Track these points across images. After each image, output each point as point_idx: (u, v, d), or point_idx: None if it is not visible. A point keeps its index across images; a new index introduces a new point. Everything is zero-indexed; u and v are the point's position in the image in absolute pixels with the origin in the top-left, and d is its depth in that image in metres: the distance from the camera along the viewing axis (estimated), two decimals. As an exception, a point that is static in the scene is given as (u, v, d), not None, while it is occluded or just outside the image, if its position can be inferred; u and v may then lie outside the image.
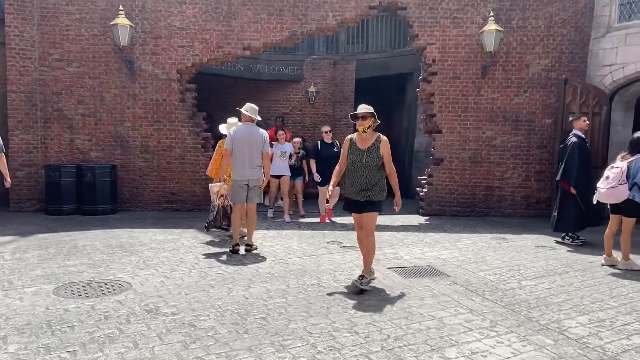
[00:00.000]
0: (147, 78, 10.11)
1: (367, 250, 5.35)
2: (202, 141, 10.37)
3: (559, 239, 7.91)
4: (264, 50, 10.60)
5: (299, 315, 4.39)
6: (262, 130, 6.93)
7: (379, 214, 5.44)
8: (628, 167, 6.01)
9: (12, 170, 8.86)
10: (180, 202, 10.34)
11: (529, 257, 6.83)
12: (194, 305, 4.60)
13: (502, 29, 9.79)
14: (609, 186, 6.03)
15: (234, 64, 13.00)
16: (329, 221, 9.41)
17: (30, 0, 9.78)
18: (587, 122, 8.12)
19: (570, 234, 7.82)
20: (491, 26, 9.71)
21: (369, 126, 5.28)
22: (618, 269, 6.25)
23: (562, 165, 7.79)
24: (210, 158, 8.62)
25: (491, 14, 9.77)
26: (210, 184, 7.61)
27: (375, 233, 8.03)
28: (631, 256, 6.30)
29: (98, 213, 9.58)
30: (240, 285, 5.24)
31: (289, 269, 5.97)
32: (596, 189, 6.31)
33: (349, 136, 5.49)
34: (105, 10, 9.90)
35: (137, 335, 3.89)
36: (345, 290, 5.15)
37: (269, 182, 8.29)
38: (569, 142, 7.84)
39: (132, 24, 9.69)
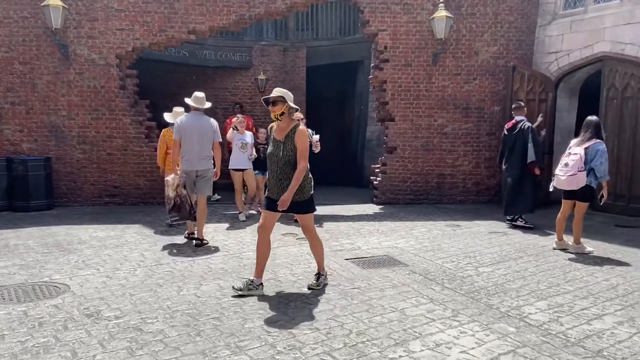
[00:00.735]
0: (83, 63, 9.43)
1: (315, 250, 4.96)
2: (146, 131, 9.81)
3: (515, 223, 8.02)
4: (211, 34, 10.12)
5: (255, 313, 4.13)
6: (212, 120, 6.72)
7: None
8: (585, 153, 6.06)
9: None
10: (124, 196, 9.78)
11: (484, 243, 6.84)
12: (140, 307, 4.24)
13: (452, 16, 9.77)
14: (569, 174, 6.05)
15: (178, 50, 12.44)
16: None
17: (-50, -22, 8.91)
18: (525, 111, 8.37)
19: (523, 216, 8.01)
20: (441, 13, 9.67)
21: (282, 113, 4.54)
22: (569, 252, 6.34)
23: (530, 149, 7.86)
24: (155, 149, 8.32)
25: (441, 0, 9.72)
26: (165, 178, 7.01)
27: (332, 223, 8.00)
28: (581, 240, 6.40)
29: (31, 209, 8.90)
30: (191, 284, 4.91)
31: (243, 263, 5.68)
32: (554, 176, 6.34)
33: (272, 124, 4.83)
34: (36, -10, 9.15)
35: (76, 343, 3.52)
36: (304, 285, 4.92)
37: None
38: (525, 127, 7.94)
39: (65, 5, 8.98)
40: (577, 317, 4.13)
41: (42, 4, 8.89)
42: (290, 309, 4.25)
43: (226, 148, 9.23)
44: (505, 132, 8.33)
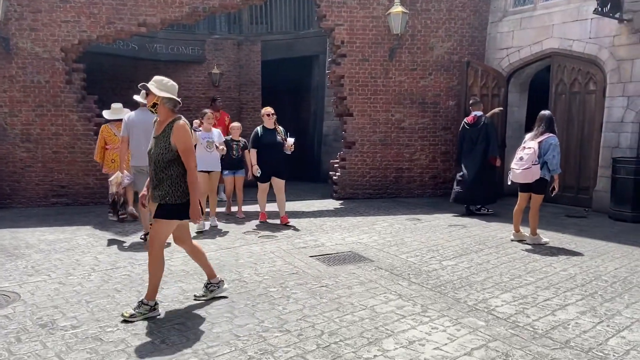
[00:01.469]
0: (25, 57, 8.90)
1: (149, 269, 4.06)
2: (95, 127, 9.33)
3: (479, 212, 8.57)
4: (162, 27, 9.76)
5: (222, 317, 3.98)
6: None
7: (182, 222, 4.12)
8: (539, 147, 6.22)
9: None
10: (72, 196, 9.31)
11: (444, 237, 6.92)
12: (98, 315, 4.00)
13: (408, 12, 9.83)
14: (524, 167, 6.20)
15: (127, 43, 11.97)
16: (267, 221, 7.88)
17: None
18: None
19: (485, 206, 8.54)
20: (397, 8, 9.71)
21: (155, 104, 3.98)
22: (527, 243, 6.50)
23: (492, 143, 8.42)
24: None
25: (397, -5, 9.77)
26: (109, 179, 7.13)
27: (293, 220, 7.87)
28: (538, 231, 6.58)
29: (-28, 212, 8.36)
30: (152, 287, 4.69)
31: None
32: (510, 170, 6.48)
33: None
34: (-29, -22, 8.53)
35: (31, 357, 3.27)
36: (270, 285, 4.80)
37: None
38: (487, 121, 8.45)
39: (5, -5, 8.45)
40: (542, 309, 4.22)
41: (-21, -6, 8.32)
42: (258, 311, 4.13)
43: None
44: (466, 127, 8.63)
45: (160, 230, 4.00)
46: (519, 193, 6.66)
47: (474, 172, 8.44)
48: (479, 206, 8.64)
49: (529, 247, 6.36)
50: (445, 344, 3.52)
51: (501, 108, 9.35)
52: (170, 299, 4.39)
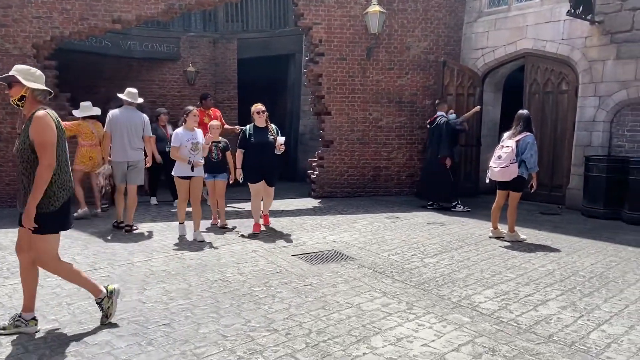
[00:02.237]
0: (-5, 53, 8.63)
1: (26, 285, 3.64)
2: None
3: (455, 210, 8.78)
4: (137, 24, 9.58)
5: (208, 317, 3.93)
6: (143, 115, 7.24)
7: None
8: (517, 145, 6.34)
9: None
10: (45, 196, 9.05)
11: (424, 234, 7.00)
12: (80, 317, 3.91)
13: (385, 11, 9.89)
14: (502, 165, 6.31)
15: (100, 40, 11.72)
16: (264, 229, 7.24)
17: None
18: (449, 106, 9.38)
19: (460, 202, 8.81)
20: (375, 7, 9.76)
21: (22, 97, 3.49)
22: (505, 240, 6.63)
23: (443, 142, 8.72)
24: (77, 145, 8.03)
25: (374, -6, 9.82)
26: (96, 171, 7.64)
27: (273, 219, 7.80)
28: (515, 228, 6.71)
29: (-61, 213, 8.07)
30: (134, 288, 4.60)
31: (187, 264, 5.42)
32: (489, 168, 6.59)
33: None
34: (-64, -30, 8.23)
35: (11, 363, 3.18)
36: (254, 284, 4.77)
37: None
38: (442, 122, 8.74)
39: (-28, -11, 8.17)
40: (524, 304, 4.30)
41: (-56, -13, 8.02)
42: (244, 310, 4.09)
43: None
44: (428, 127, 9.19)
45: (44, 246, 3.52)
46: (497, 191, 6.78)
47: (425, 171, 9.32)
48: (454, 203, 8.85)
49: (507, 244, 6.49)
50: (433, 341, 3.56)
51: (479, 107, 9.51)
52: (154, 299, 4.32)
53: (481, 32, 10.49)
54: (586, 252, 6.07)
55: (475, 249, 6.20)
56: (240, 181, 6.96)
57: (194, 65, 13.19)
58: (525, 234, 6.85)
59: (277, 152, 6.75)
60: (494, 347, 3.44)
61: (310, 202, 9.75)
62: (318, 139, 10.78)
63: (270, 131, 6.85)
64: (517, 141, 6.38)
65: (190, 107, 6.73)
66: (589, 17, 8.42)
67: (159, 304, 4.22)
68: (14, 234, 6.69)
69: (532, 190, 6.65)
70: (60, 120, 3.65)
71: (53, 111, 3.61)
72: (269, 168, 6.86)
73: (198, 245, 6.26)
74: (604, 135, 8.64)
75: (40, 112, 3.43)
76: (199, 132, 6.60)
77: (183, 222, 6.71)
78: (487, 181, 6.74)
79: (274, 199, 7.59)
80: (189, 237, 6.61)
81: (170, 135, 7.09)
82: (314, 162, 10.53)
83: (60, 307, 4.13)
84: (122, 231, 6.98)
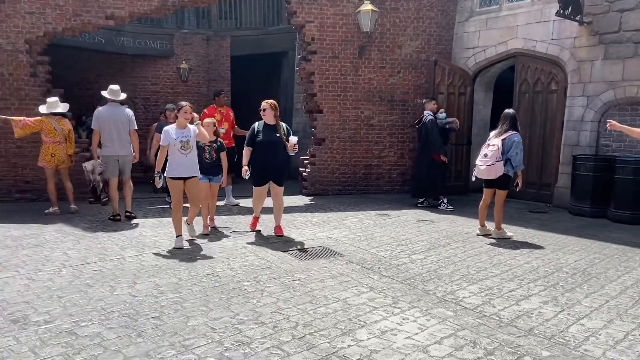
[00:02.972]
0: (-13, 49, 8.65)
1: None
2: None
3: (440, 207, 8.86)
4: (131, 20, 9.65)
5: (197, 310, 4.01)
6: (127, 109, 7.71)
7: None
8: (502, 144, 6.44)
9: None
10: (37, 192, 9.09)
11: (413, 232, 7.09)
12: (72, 310, 3.97)
13: (377, 10, 9.97)
14: (488, 164, 6.41)
15: (93, 36, 11.74)
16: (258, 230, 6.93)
17: None
18: (436, 104, 9.32)
19: (445, 200, 8.91)
20: (367, 6, 9.84)
21: None
22: (492, 238, 6.73)
23: (431, 140, 8.84)
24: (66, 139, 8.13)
25: (366, -7, 9.89)
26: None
27: (264, 215, 7.73)
28: (502, 225, 6.82)
29: None
30: (124, 282, 4.67)
31: (178, 259, 5.48)
32: (475, 166, 6.68)
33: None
34: None
35: (4, 352, 3.23)
36: (244, 279, 4.84)
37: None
38: (427, 120, 8.86)
39: (-35, -16, 8.18)
40: (507, 299, 4.40)
41: (-63, -18, 8.02)
42: (233, 304, 4.17)
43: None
44: (416, 126, 9.36)
45: None
46: (484, 189, 6.88)
47: (416, 169, 9.55)
48: (440, 201, 8.95)
49: (494, 241, 6.59)
50: (416, 334, 3.65)
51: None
52: (144, 293, 4.38)
53: (472, 31, 10.59)
54: (571, 249, 6.19)
55: (463, 246, 6.30)
56: (246, 178, 6.45)
57: (187, 62, 13.24)
58: (513, 231, 6.96)
59: (291, 152, 6.43)
60: (475, 340, 3.54)
61: (302, 200, 9.83)
62: (310, 137, 10.85)
63: (279, 130, 6.46)
64: (503, 140, 6.48)
65: (183, 103, 6.15)
66: (577, 17, 8.54)
67: (149, 298, 4.28)
68: (7, 228, 6.81)
69: (518, 189, 6.75)
70: None
71: None
72: (276, 168, 6.48)
73: (189, 240, 6.32)
74: (591, 134, 8.77)
75: None
76: (192, 129, 6.01)
77: (181, 234, 6.01)
78: (473, 179, 6.84)
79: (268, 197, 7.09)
80: (185, 244, 6.04)
81: None
82: (306, 159, 10.60)
83: (52, 300, 4.19)
84: (117, 224, 7.27)
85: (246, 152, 6.50)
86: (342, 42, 10.21)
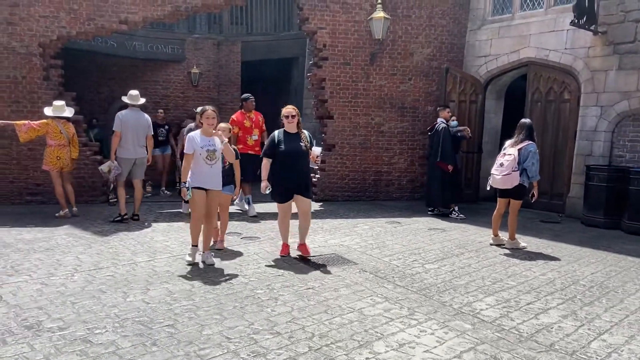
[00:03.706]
0: (2, 52, 8.63)
1: None
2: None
3: (451, 216, 8.77)
4: (144, 25, 9.63)
5: (211, 319, 3.97)
6: (147, 116, 7.94)
7: None
8: (518, 153, 6.38)
9: None
10: (48, 195, 9.06)
11: (425, 240, 7.03)
12: (85, 317, 3.94)
13: (389, 17, 9.95)
14: (504, 173, 6.35)
15: (106, 40, 11.77)
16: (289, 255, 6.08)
17: None
18: (450, 112, 9.21)
19: (456, 209, 8.81)
20: (379, 13, 9.81)
21: None
22: (505, 248, 6.66)
23: (440, 148, 8.72)
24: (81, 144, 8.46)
25: (379, 1, 9.85)
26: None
27: (274, 221, 7.58)
28: (515, 235, 6.75)
29: (-58, 210, 8.10)
30: (137, 289, 4.64)
31: (190, 265, 5.44)
32: (490, 175, 6.62)
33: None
34: (-56, -32, 8.27)
35: (19, 359, 3.21)
36: (257, 286, 4.80)
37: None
38: (440, 128, 8.74)
39: (-20, -13, 8.22)
40: (525, 312, 4.34)
41: (-48, -15, 8.06)
42: (247, 312, 4.13)
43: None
44: (428, 133, 9.23)
45: None
46: (498, 198, 6.82)
47: (427, 177, 9.50)
48: (450, 210, 8.88)
49: (508, 251, 6.52)
50: (435, 347, 3.59)
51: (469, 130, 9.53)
52: (157, 300, 4.35)
53: (484, 39, 10.54)
54: (586, 261, 6.11)
55: (476, 256, 6.24)
56: (266, 193, 5.78)
57: (198, 66, 13.25)
58: (526, 241, 6.89)
59: (314, 165, 5.75)
60: (496, 355, 3.47)
61: (312, 206, 9.75)
62: (320, 143, 10.82)
63: (302, 139, 5.78)
64: (519, 149, 6.42)
65: (207, 107, 5.59)
66: (592, 27, 8.48)
67: (163, 305, 4.25)
68: (19, 231, 6.79)
69: (533, 200, 6.69)
70: None
71: None
72: (301, 179, 5.80)
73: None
74: (605, 145, 8.68)
75: None
76: (217, 138, 5.55)
77: (197, 244, 5.61)
78: (488, 188, 6.77)
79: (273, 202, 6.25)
80: (198, 258, 5.60)
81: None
82: (315, 165, 10.56)
83: (65, 305, 4.16)
84: (125, 224, 7.44)
85: (265, 165, 5.77)
86: (354, 49, 10.18)
